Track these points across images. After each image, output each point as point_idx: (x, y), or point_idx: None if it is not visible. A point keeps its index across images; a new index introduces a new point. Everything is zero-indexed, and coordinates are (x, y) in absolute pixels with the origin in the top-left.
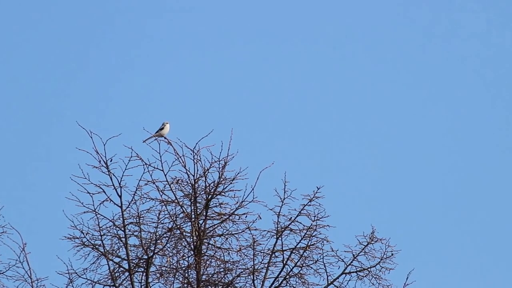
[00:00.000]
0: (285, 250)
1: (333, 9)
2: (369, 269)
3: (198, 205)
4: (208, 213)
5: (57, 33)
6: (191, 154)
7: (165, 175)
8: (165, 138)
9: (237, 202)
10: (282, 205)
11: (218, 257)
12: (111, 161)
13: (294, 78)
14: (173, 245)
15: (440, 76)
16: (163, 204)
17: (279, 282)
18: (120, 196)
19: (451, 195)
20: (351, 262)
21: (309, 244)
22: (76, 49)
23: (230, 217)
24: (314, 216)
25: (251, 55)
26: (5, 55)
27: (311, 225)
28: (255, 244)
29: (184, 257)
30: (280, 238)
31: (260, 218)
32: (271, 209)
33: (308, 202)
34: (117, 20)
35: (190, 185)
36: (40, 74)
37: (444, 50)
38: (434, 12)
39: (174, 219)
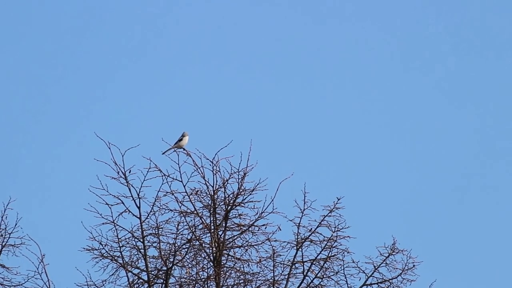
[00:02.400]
0: (306, 261)
1: (349, 16)
2: (390, 281)
3: (217, 216)
4: (227, 224)
5: (80, 45)
6: (210, 165)
7: (184, 186)
8: (184, 149)
9: (257, 213)
10: (302, 216)
11: (238, 268)
12: (129, 172)
13: (313, 88)
14: (193, 256)
15: (464, 88)
16: (182, 215)
17: None
18: (138, 207)
19: (474, 206)
20: (372, 273)
21: (329, 255)
22: (98, 61)
23: (250, 228)
24: (335, 227)
25: (270, 65)
26: (27, 64)
27: (332, 236)
28: (275, 255)
29: (203, 269)
30: (300, 249)
31: (280, 229)
32: (291, 220)
33: (328, 213)
34: (137, 30)
35: (209, 196)
36: (58, 84)
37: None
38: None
39: (193, 230)
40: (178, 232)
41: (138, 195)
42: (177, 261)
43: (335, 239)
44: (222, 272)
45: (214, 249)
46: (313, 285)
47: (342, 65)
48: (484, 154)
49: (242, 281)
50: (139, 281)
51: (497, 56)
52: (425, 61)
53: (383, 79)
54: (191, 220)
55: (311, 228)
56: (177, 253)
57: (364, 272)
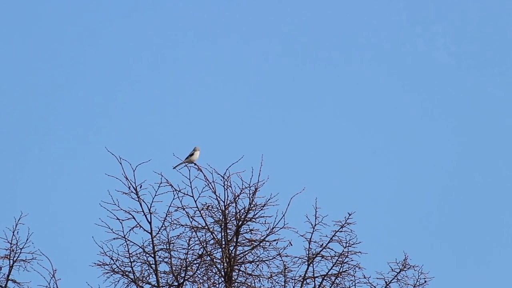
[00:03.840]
0: (317, 276)
1: (365, 27)
2: None
3: (228, 231)
4: (238, 240)
5: (93, 57)
6: (222, 180)
7: (195, 201)
8: (195, 164)
9: (268, 228)
10: (313, 231)
11: (249, 284)
12: (140, 187)
13: (325, 103)
14: (204, 272)
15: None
16: (193, 230)
17: None
18: (150, 222)
19: (486, 221)
20: None
21: (341, 270)
22: (108, 74)
23: (261, 244)
24: (346, 243)
25: (281, 80)
26: (36, 76)
27: (343, 251)
28: (286, 271)
29: (214, 284)
30: (311, 264)
31: (291, 245)
32: (302, 235)
33: (340, 228)
34: (150, 43)
35: (220, 211)
36: (69, 98)
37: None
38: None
39: (205, 245)
40: (189, 248)
41: (149, 210)
42: (188, 276)
43: (346, 254)
44: None
45: (225, 264)
46: None
47: (354, 79)
48: (499, 168)
49: None
50: None
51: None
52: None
53: (397, 93)
54: (202, 235)
55: (322, 244)
56: (188, 268)
57: None
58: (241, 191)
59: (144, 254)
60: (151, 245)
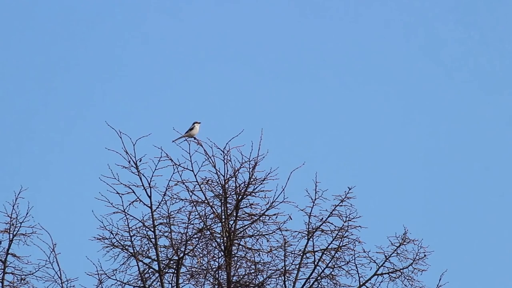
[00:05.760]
0: (317, 251)
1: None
2: (401, 270)
3: (228, 205)
4: (238, 214)
5: (91, 33)
6: (221, 154)
7: (195, 176)
8: (194, 138)
9: (268, 203)
10: (313, 205)
11: (249, 258)
12: (140, 161)
13: (325, 77)
14: (204, 246)
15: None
16: (193, 204)
17: (311, 283)
18: (149, 197)
19: (484, 195)
20: (383, 263)
21: (340, 245)
22: (110, 49)
23: (261, 218)
24: (346, 217)
25: (281, 55)
26: (37, 51)
27: (343, 225)
28: (286, 245)
29: (214, 258)
30: (311, 239)
31: (291, 219)
32: (302, 210)
33: (340, 203)
34: (150, 20)
35: (220, 185)
36: (70, 72)
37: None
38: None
39: (204, 219)
40: (189, 222)
41: (149, 184)
42: (188, 250)
43: (346, 229)
44: (233, 262)
45: (225, 238)
46: (324, 275)
47: (351, 55)
48: (497, 143)
49: (253, 270)
50: (150, 271)
51: None
52: (432, 48)
53: (394, 68)
54: (202, 210)
55: (322, 218)
56: (188, 242)
57: (375, 262)
58: (241, 165)
59: (144, 228)
60: (151, 219)
